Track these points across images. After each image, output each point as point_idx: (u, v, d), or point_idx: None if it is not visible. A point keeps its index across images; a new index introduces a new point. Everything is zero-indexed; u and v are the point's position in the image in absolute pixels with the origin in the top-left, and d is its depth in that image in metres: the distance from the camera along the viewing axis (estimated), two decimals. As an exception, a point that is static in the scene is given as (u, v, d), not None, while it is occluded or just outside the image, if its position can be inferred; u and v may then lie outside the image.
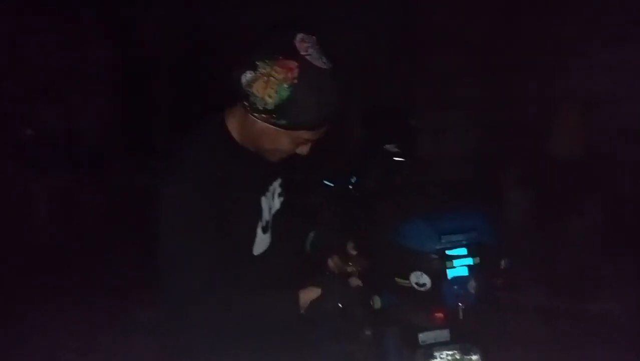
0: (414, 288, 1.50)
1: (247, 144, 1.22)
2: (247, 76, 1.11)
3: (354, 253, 1.47)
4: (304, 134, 1.17)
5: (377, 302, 1.41)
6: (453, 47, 4.04)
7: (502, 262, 1.55)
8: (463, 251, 1.53)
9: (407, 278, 1.53)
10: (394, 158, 2.59)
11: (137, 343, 2.69)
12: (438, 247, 1.53)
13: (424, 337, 1.60)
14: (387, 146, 2.64)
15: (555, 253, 3.16)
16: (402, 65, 4.26)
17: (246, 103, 1.14)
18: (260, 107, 1.12)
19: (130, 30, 4.81)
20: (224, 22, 4.58)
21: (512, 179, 3.74)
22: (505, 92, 4.00)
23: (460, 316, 1.54)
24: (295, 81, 1.09)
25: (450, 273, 1.51)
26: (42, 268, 3.39)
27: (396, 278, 1.53)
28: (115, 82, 4.71)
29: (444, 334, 1.60)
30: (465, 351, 1.58)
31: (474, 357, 1.57)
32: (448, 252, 1.53)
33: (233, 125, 1.22)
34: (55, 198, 4.03)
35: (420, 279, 1.51)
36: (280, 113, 1.12)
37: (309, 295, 1.22)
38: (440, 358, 1.56)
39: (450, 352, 1.57)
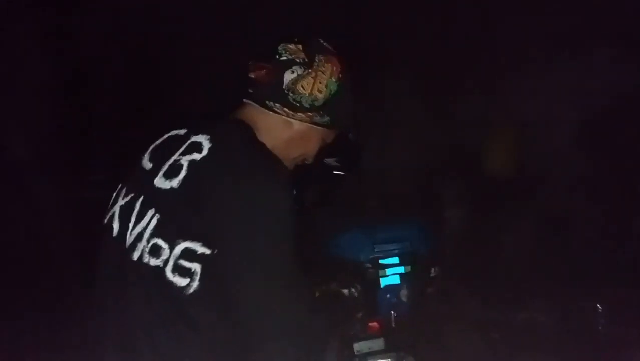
0: (345, 295, 1.52)
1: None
2: (293, 73, 1.09)
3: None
4: (332, 134, 1.18)
5: None
6: (393, 67, 4.16)
7: (433, 270, 1.60)
8: (395, 260, 1.57)
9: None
10: (334, 172, 2.64)
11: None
12: (371, 256, 1.57)
13: (358, 347, 1.62)
14: (327, 160, 2.68)
15: (488, 265, 3.27)
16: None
17: (282, 104, 1.11)
18: (307, 105, 1.11)
19: (68, 36, 4.68)
20: (164, 30, 4.54)
21: (449, 194, 3.87)
22: (444, 112, 4.14)
23: (393, 324, 1.57)
24: (340, 76, 1.12)
25: (383, 282, 1.54)
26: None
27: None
28: (49, 90, 4.55)
29: (378, 343, 1.62)
30: (399, 359, 1.61)
31: (408, 365, 1.60)
32: (381, 261, 1.57)
33: (261, 132, 1.12)
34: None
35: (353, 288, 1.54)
36: (326, 110, 1.12)
37: None
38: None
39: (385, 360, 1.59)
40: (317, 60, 1.11)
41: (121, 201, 1.08)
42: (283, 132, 1.14)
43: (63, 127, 4.48)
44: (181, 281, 0.96)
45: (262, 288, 0.98)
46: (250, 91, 1.14)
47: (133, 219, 1.03)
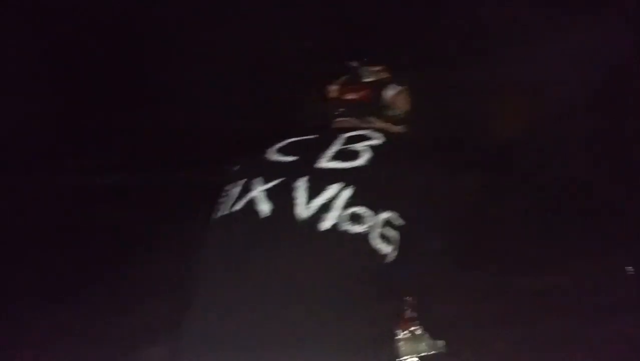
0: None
1: None
2: (391, 90, 1.29)
3: None
4: None
5: None
6: (399, 34, 4.06)
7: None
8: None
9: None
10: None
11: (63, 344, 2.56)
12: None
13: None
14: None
15: (502, 231, 3.21)
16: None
17: (381, 119, 1.27)
18: (399, 117, 1.30)
19: (58, 19, 4.57)
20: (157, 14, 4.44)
21: (459, 161, 3.79)
22: (452, 79, 4.07)
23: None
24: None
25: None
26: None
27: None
28: (43, 76, 4.47)
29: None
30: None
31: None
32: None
33: None
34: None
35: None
36: (404, 119, 1.32)
37: None
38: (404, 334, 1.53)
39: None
40: (403, 77, 1.32)
41: (262, 187, 1.13)
42: None
43: (51, 113, 4.41)
44: (385, 248, 1.04)
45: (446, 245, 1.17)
46: (342, 109, 1.29)
47: (303, 195, 1.08)
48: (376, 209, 1.05)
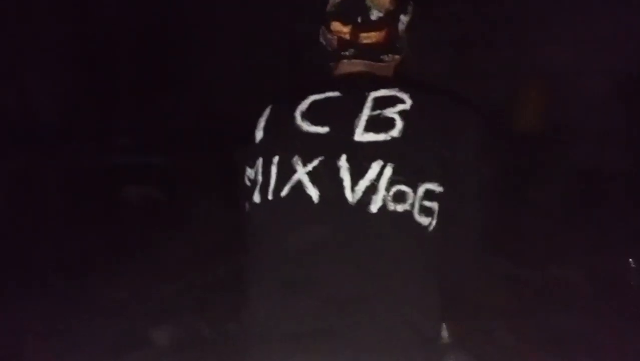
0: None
1: None
2: (402, 24, 1.19)
3: None
4: None
5: None
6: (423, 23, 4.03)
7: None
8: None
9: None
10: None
11: (99, 326, 2.66)
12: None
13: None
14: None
15: (517, 223, 3.22)
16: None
17: (392, 53, 1.20)
18: (405, 46, 1.21)
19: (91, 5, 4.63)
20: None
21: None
22: (469, 66, 4.03)
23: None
24: None
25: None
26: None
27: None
28: (73, 56, 4.55)
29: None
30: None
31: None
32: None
33: None
34: (11, 180, 3.90)
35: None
36: (410, 50, 1.24)
37: None
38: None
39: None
40: (410, 4, 1.20)
41: (304, 170, 1.07)
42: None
43: (86, 94, 4.50)
44: (425, 221, 1.04)
45: (482, 211, 1.15)
46: (352, 50, 1.19)
47: (346, 177, 1.05)
48: (415, 183, 1.04)
